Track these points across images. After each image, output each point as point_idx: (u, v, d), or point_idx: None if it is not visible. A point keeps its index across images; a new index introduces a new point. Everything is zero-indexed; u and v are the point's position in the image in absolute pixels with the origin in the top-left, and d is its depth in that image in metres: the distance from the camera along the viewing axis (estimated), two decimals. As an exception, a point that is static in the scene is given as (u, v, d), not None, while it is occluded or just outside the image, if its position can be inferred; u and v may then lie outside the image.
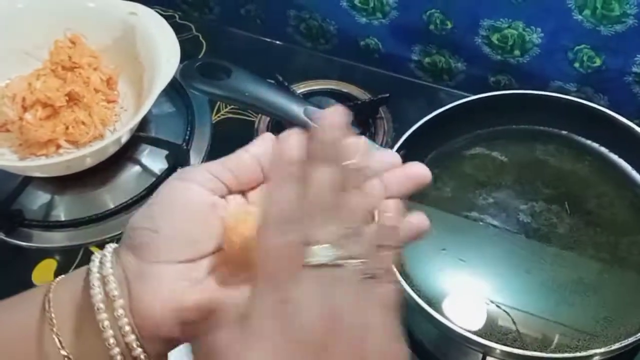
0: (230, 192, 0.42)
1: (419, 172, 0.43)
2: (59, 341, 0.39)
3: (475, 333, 0.63)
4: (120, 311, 0.38)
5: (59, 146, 0.82)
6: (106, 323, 0.38)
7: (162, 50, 0.83)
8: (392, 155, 0.43)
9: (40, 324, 0.39)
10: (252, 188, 0.43)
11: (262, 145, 0.42)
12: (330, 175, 0.36)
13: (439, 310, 0.65)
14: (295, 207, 0.35)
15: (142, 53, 0.87)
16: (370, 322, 0.35)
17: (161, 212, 0.40)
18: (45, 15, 0.89)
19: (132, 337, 0.38)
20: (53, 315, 0.39)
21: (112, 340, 0.38)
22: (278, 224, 0.35)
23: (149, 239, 0.39)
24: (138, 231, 0.40)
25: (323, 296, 0.34)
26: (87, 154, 0.78)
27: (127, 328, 0.38)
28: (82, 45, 0.88)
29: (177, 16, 1.05)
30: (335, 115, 0.37)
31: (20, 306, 0.41)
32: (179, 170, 0.43)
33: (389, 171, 0.42)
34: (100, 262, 0.40)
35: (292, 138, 0.37)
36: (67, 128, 0.82)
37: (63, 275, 0.42)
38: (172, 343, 0.40)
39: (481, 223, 0.72)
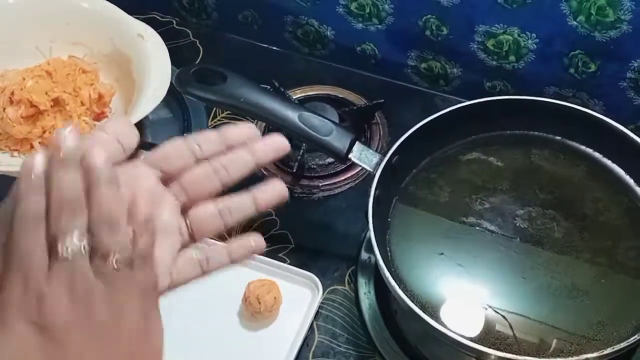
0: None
1: (277, 140, 0.49)
2: None
3: (472, 338, 0.63)
4: None
5: (32, 147, 0.82)
6: None
7: (154, 79, 0.82)
8: (247, 128, 0.49)
9: None
10: None
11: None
12: (70, 176, 0.38)
13: (435, 315, 0.65)
14: (44, 206, 0.38)
15: (135, 74, 0.85)
16: (124, 306, 0.39)
17: None
18: (50, 15, 0.88)
19: None
20: None
21: None
22: (28, 221, 0.37)
23: None
24: None
25: (73, 287, 0.37)
26: None
27: None
28: (81, 62, 0.87)
29: (174, 22, 1.05)
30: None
31: None
32: None
33: (251, 142, 0.48)
34: None
35: (38, 156, 0.39)
36: (44, 132, 0.81)
37: None
38: None
39: (478, 228, 0.72)
